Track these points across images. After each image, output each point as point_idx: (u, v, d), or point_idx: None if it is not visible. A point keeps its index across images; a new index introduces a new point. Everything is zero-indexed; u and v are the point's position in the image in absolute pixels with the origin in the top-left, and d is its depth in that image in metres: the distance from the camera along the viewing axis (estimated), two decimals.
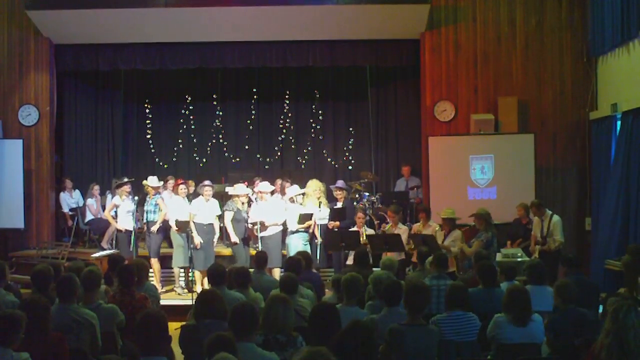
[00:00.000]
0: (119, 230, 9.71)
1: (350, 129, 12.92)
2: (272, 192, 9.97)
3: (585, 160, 10.49)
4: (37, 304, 4.35)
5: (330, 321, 3.94)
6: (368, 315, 5.08)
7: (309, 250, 8.99)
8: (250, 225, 9.50)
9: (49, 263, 6.86)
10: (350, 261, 8.44)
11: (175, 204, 9.74)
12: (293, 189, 9.92)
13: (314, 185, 9.80)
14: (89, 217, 11.25)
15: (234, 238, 9.34)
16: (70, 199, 11.54)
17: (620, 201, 9.03)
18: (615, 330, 3.60)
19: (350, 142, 12.90)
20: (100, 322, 4.88)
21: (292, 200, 9.75)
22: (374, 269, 8.93)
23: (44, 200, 11.11)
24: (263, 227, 9.35)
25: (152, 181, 9.79)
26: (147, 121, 13.02)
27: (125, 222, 9.62)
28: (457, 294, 5.00)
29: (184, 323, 4.88)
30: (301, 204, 9.71)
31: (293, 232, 9.39)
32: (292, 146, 13.05)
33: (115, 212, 9.88)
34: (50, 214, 11.14)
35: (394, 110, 12.64)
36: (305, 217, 9.32)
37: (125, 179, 10.31)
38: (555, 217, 8.94)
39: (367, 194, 11.27)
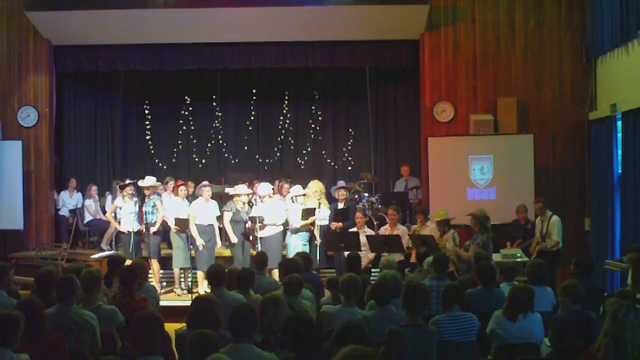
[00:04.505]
0: (121, 232, 9.71)
1: (350, 129, 12.92)
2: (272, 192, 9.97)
3: (584, 160, 10.49)
4: (32, 304, 4.35)
5: (304, 332, 3.91)
6: (362, 314, 5.09)
7: (308, 251, 8.99)
8: (249, 224, 9.48)
9: (55, 267, 6.76)
10: None
11: (174, 205, 9.75)
12: (295, 189, 9.92)
13: (315, 186, 9.79)
14: (87, 218, 11.26)
15: (234, 238, 9.33)
16: (69, 199, 11.52)
17: (624, 202, 9.04)
18: (613, 331, 3.60)
19: (349, 143, 12.90)
20: (100, 323, 4.87)
21: (293, 200, 9.76)
22: (373, 270, 9.01)
23: (43, 201, 11.11)
24: (262, 226, 9.34)
25: (144, 182, 9.74)
26: (147, 122, 13.02)
27: (128, 223, 9.63)
28: (451, 293, 5.01)
29: (179, 327, 4.88)
30: (302, 205, 9.70)
31: (294, 232, 9.38)
32: (292, 147, 13.05)
33: (115, 213, 9.90)
34: (49, 216, 11.14)
35: (394, 111, 12.65)
36: (308, 212, 9.30)
37: (128, 181, 10.30)
38: (555, 218, 8.97)
39: (366, 194, 11.27)
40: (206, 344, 3.56)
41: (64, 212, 11.45)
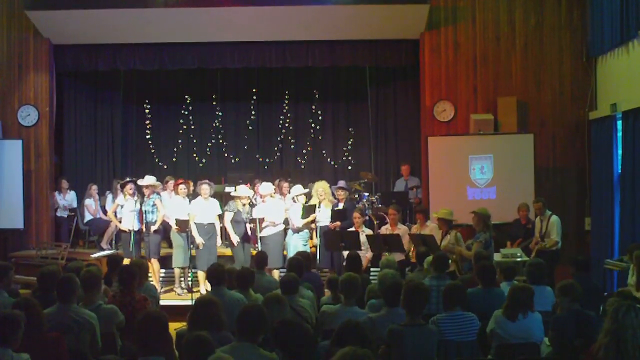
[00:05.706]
0: (122, 230, 9.71)
1: (350, 129, 12.92)
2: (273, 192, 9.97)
3: (584, 160, 10.49)
4: (28, 303, 4.35)
5: (294, 338, 3.90)
6: (367, 315, 5.08)
7: (308, 251, 8.99)
8: (251, 225, 9.47)
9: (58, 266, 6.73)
10: None
11: (175, 204, 9.75)
12: (296, 189, 9.91)
13: (320, 187, 9.72)
14: (87, 217, 11.25)
15: (235, 239, 9.33)
16: (62, 201, 11.47)
17: (623, 201, 9.04)
18: (614, 330, 3.60)
19: (349, 142, 12.90)
20: (100, 322, 4.87)
21: (294, 200, 9.75)
22: (373, 269, 9.01)
23: (43, 200, 11.11)
24: (261, 225, 9.33)
25: (143, 181, 9.73)
26: (147, 121, 13.03)
27: (129, 222, 9.62)
28: (455, 293, 5.00)
29: (179, 326, 4.89)
30: (303, 204, 9.69)
31: (296, 232, 9.37)
32: (292, 146, 13.05)
33: (115, 212, 9.89)
34: (49, 215, 11.14)
35: (394, 110, 12.64)
36: (309, 209, 9.29)
37: (128, 179, 10.29)
38: (554, 217, 8.98)
39: (366, 194, 11.26)
40: (202, 346, 3.55)
41: (60, 213, 11.40)
